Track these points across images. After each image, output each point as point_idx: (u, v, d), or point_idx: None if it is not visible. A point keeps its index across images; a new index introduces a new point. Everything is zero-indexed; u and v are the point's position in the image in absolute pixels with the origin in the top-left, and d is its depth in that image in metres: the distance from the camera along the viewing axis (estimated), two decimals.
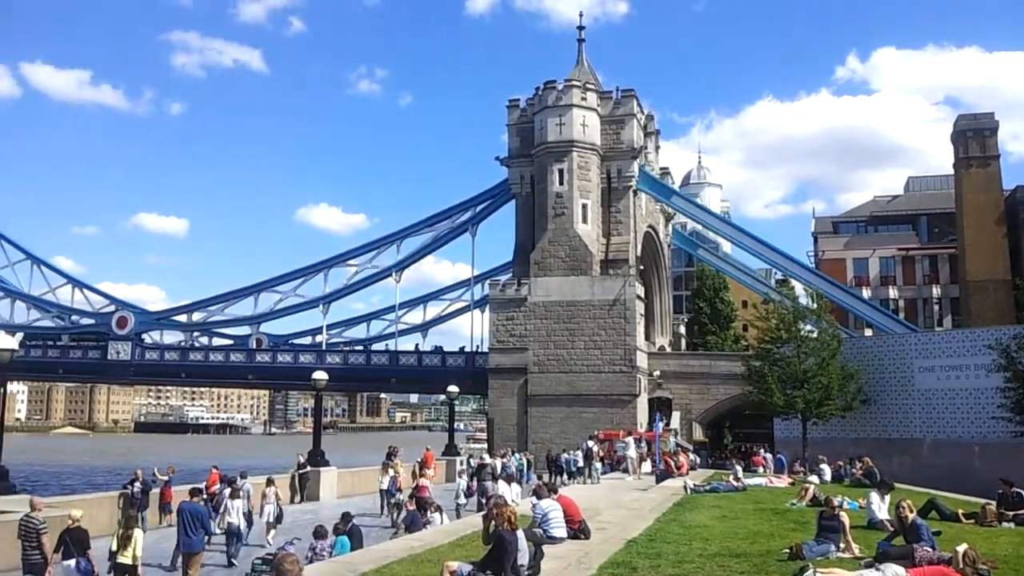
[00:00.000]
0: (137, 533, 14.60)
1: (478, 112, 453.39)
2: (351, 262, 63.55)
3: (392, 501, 26.18)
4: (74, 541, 14.16)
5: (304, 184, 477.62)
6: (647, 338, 57.15)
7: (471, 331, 62.05)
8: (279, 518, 22.46)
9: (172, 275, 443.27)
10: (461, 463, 40.88)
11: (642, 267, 57.91)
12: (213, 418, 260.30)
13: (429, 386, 67.35)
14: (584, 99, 54.39)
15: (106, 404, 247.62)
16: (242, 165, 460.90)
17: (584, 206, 53.61)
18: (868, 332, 57.32)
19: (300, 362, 60.11)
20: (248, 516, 21.11)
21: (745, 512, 21.96)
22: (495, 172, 70.89)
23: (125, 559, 14.17)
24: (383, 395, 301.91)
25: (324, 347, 63.42)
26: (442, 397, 67.96)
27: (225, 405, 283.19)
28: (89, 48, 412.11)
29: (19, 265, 70.82)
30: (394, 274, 61.76)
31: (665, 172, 66.54)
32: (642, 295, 53.81)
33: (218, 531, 19.59)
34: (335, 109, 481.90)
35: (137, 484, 23.17)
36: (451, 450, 43.94)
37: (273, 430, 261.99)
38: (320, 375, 35.96)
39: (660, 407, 52.76)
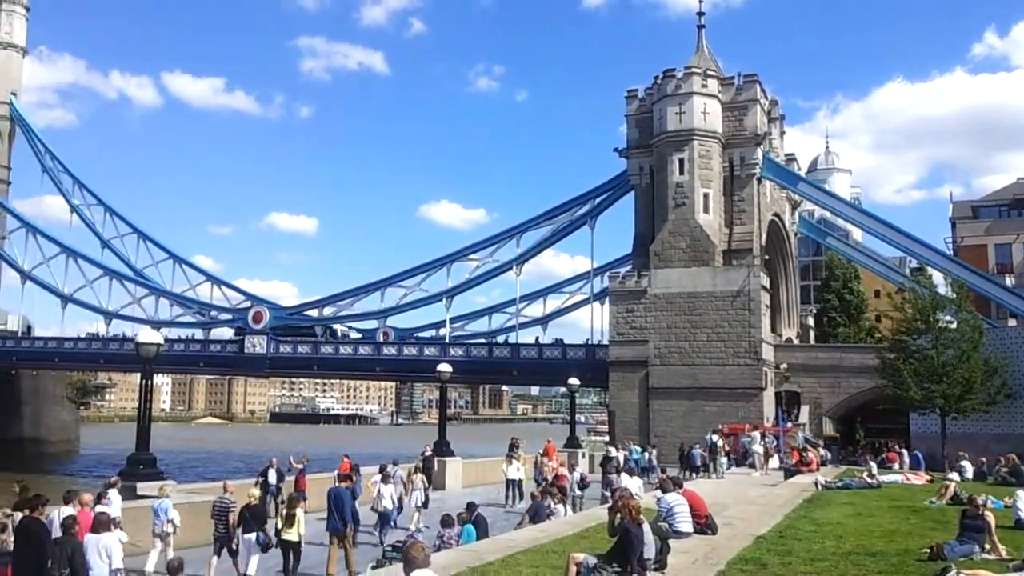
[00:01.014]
0: (300, 513, 16.16)
1: (595, 104, 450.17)
2: (472, 257, 64.43)
3: (540, 489, 26.58)
4: (253, 516, 16.04)
5: (425, 181, 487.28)
6: (773, 330, 55.56)
7: (591, 324, 61.94)
8: (425, 503, 23.81)
9: (303, 271, 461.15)
10: (581, 455, 40.93)
11: (767, 257, 56.30)
12: (343, 409, 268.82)
13: (550, 378, 67.54)
14: (705, 86, 53.27)
15: (243, 395, 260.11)
16: (367, 164, 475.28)
17: (706, 195, 52.55)
18: (1012, 322, 53.97)
19: (425, 355, 61.40)
20: (399, 501, 22.50)
21: (880, 510, 21.15)
22: (613, 164, 70.64)
23: (291, 536, 15.80)
24: (505, 387, 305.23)
25: (448, 340, 64.58)
26: (562, 389, 67.99)
27: (354, 396, 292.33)
28: (224, 57, 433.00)
29: (162, 264, 75.23)
30: (514, 268, 62.23)
31: (791, 158, 64.46)
32: (767, 286, 52.34)
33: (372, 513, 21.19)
34: (455, 107, 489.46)
35: (272, 472, 24.21)
36: (572, 442, 43.99)
37: (399, 421, 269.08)
38: (444, 367, 36.71)
39: (787, 401, 51.26)
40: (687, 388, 49.86)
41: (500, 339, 66.64)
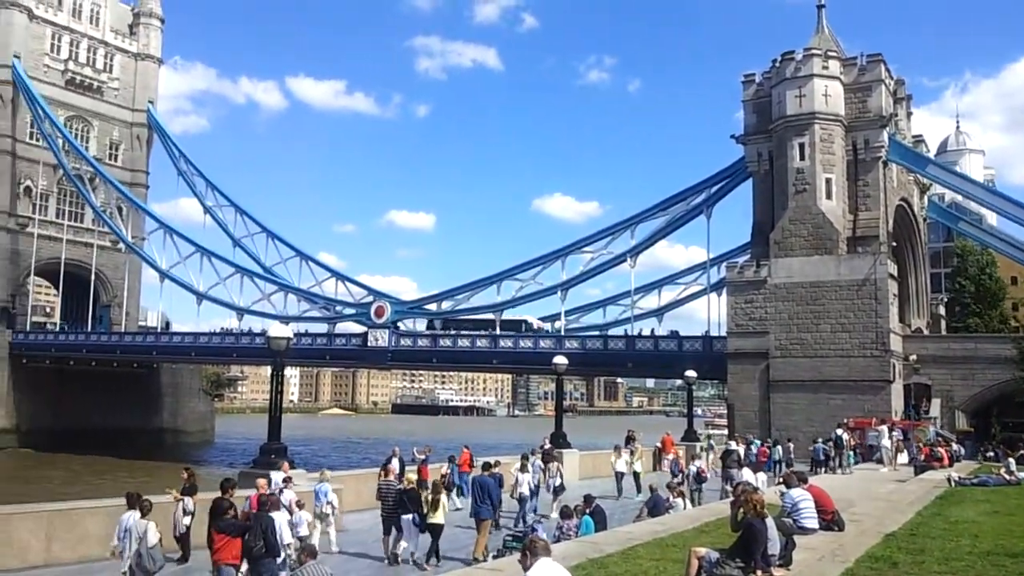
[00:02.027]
0: (443, 498, 17.82)
1: (709, 92, 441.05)
2: (586, 249, 64.23)
3: (675, 482, 26.64)
4: (410, 499, 17.63)
5: (539, 175, 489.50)
6: (901, 320, 53.23)
7: (708, 315, 60.84)
8: (561, 489, 24.67)
9: (421, 267, 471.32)
10: (700, 449, 40.37)
11: (894, 244, 53.97)
12: (461, 400, 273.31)
13: (666, 371, 66.70)
14: (826, 67, 51.45)
15: (367, 387, 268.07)
16: (482, 160, 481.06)
17: (828, 181, 50.79)
18: None
19: (540, 347, 61.69)
20: (536, 488, 23.56)
21: (1020, 508, 20.09)
22: (729, 152, 68.96)
23: (436, 519, 17.35)
24: (620, 380, 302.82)
25: (563, 333, 64.75)
26: (679, 382, 67.15)
27: (472, 388, 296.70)
28: (343, 60, 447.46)
29: (290, 262, 78.17)
30: (629, 259, 61.71)
31: (918, 140, 61.52)
32: (895, 273, 50.19)
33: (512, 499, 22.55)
34: (567, 100, 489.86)
35: (395, 461, 24.98)
36: (690, 435, 43.47)
37: (516, 412, 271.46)
38: (560, 360, 36.94)
39: (917, 394, 49.13)
40: (810, 381, 48.41)
41: (615, 331, 66.35)
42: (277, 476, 19.32)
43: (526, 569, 7.59)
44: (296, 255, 78.06)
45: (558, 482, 24.82)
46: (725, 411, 61.74)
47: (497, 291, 66.19)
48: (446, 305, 68.94)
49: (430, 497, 17.65)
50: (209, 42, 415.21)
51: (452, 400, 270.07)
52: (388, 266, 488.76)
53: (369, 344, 65.78)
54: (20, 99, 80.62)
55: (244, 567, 13.15)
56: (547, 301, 66.79)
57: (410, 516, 17.45)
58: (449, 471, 26.26)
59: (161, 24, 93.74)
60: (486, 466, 21.05)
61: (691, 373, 45.73)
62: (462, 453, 28.40)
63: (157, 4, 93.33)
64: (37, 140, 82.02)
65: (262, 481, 17.64)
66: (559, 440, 33.78)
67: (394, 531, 17.83)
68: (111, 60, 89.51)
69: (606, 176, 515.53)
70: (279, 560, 13.51)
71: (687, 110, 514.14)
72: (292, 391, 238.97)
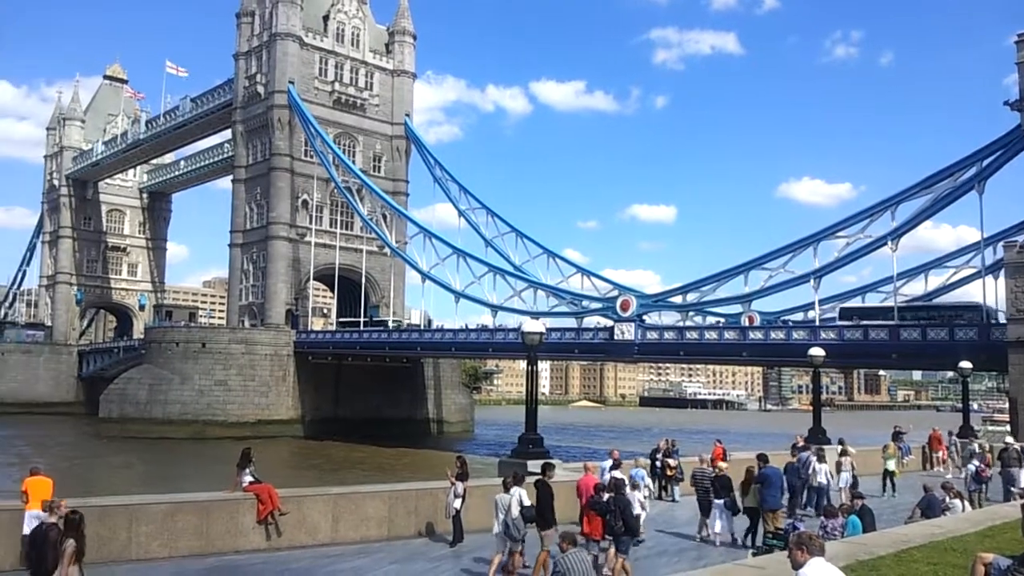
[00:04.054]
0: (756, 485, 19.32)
1: (971, 58, 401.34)
2: (840, 234, 60.76)
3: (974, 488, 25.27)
4: (722, 485, 19.29)
5: (784, 159, 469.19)
6: None
7: (983, 300, 55.57)
8: (854, 484, 24.80)
9: (664, 259, 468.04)
10: (977, 447, 37.10)
11: None
12: (709, 394, 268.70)
13: (934, 362, 61.81)
14: None
15: (614, 380, 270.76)
16: (723, 148, 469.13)
17: None
18: None
19: (793, 339, 59.19)
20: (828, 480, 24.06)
21: None
22: (1001, 120, 62.49)
23: (751, 503, 19.24)
24: (882, 372, 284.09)
25: (817, 323, 61.81)
26: (950, 374, 61.85)
27: (720, 381, 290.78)
28: (582, 60, 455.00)
29: (538, 259, 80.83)
30: (890, 243, 57.60)
31: None
32: None
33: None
34: (811, 79, 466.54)
35: (659, 455, 25.23)
36: (966, 431, 40.09)
37: (768, 407, 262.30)
38: (817, 351, 35.46)
39: None
40: None
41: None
42: (606, 463, 21.82)
43: (797, 567, 7.38)
44: (543, 252, 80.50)
45: (849, 480, 25.16)
46: (1006, 405, 56.12)
47: (744, 281, 64.42)
48: (691, 297, 68.07)
49: (742, 482, 19.43)
50: (458, 55, 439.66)
51: (700, 393, 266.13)
52: (631, 260, 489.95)
53: (615, 337, 66.35)
54: (296, 121, 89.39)
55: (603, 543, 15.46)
56: (799, 290, 64.03)
57: (721, 501, 19.15)
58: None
59: (414, 41, 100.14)
60: (762, 457, 21.30)
61: (965, 364, 42.06)
62: (714, 448, 28.16)
63: (410, 22, 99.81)
64: (310, 157, 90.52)
65: (592, 464, 20.91)
66: (818, 436, 32.48)
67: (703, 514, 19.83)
68: (371, 78, 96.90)
69: (858, 156, 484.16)
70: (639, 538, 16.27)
71: (946, 80, 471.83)
72: (543, 384, 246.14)
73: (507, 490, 15.98)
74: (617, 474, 19.10)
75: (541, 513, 15.72)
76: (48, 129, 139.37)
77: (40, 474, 16.52)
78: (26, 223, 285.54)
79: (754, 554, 16.18)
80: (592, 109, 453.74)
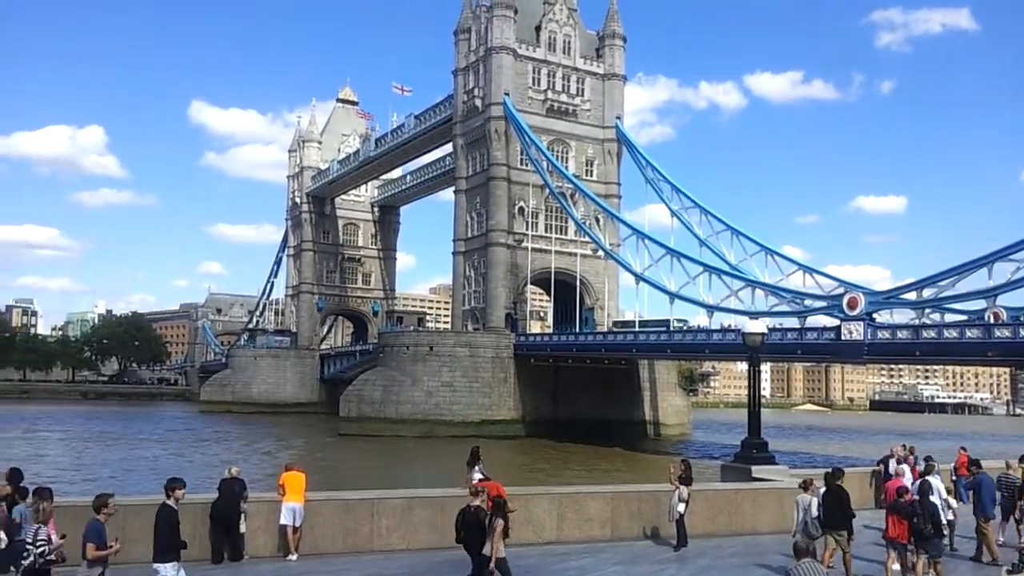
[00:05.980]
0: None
1: None
2: None
3: None
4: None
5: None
6: None
7: None
8: None
9: (894, 253, 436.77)
10: None
11: None
12: (949, 397, 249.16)
13: None
14: None
15: (841, 382, 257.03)
16: (957, 131, 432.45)
17: None
18: None
19: None
20: None
21: None
22: None
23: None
24: None
25: None
26: None
27: (961, 383, 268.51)
28: (799, 49, 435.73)
29: (755, 257, 78.30)
30: None
31: None
32: None
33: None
34: None
35: (892, 461, 24.15)
36: None
37: (1017, 411, 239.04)
38: None
39: None
40: None
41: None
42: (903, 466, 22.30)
43: None
44: (761, 250, 78.00)
45: None
46: None
47: (988, 275, 59.33)
48: (927, 293, 63.52)
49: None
50: (669, 54, 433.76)
51: (938, 396, 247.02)
52: (857, 255, 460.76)
53: (843, 337, 63.25)
54: (511, 131, 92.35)
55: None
56: None
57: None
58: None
59: (624, 44, 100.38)
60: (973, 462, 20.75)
61: None
62: (958, 456, 26.36)
63: (619, 25, 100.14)
64: (525, 165, 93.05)
65: (899, 468, 22.28)
66: None
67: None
68: (582, 84, 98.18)
69: None
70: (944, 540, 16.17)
71: None
72: (764, 387, 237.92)
73: (806, 489, 16.38)
74: (930, 479, 18.42)
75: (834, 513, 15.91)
76: (290, 151, 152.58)
77: (295, 469, 17.86)
78: (274, 239, 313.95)
79: (1008, 572, 15.29)
80: (810, 99, 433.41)
